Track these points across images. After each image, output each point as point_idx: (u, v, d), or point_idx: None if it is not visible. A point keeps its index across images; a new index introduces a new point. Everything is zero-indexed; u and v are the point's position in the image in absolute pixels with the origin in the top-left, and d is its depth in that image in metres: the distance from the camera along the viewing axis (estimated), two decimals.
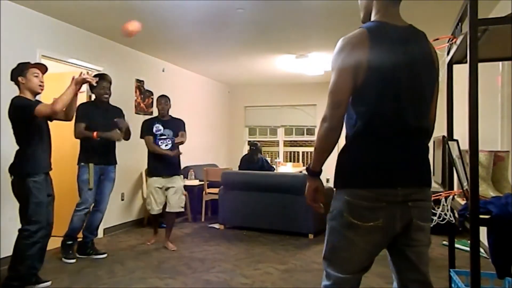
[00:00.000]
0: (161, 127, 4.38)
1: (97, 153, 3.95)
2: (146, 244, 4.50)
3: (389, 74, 1.48)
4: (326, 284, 1.57)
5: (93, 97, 4.24)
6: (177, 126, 4.48)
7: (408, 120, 1.49)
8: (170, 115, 4.54)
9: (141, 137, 4.46)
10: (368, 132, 1.49)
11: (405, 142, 1.51)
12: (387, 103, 1.48)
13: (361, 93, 1.49)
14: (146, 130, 4.42)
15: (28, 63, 3.17)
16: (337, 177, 1.56)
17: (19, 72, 3.12)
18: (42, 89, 3.19)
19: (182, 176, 4.58)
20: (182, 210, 4.49)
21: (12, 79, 3.16)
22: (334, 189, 1.58)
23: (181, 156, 4.52)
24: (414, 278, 1.56)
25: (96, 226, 4.13)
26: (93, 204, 4.04)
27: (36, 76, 3.12)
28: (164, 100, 4.47)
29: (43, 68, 3.23)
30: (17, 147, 3.20)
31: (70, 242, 3.93)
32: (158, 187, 4.33)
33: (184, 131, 4.53)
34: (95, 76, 3.94)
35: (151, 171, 4.42)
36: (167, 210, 4.39)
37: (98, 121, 3.93)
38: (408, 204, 1.49)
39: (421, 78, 1.53)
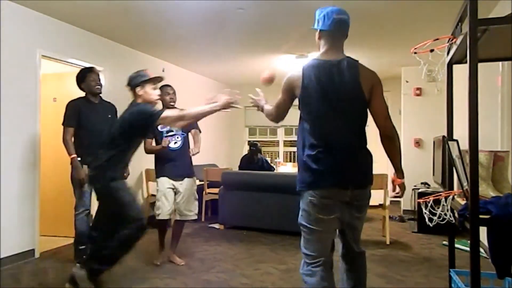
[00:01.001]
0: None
1: (88, 152, 3.57)
2: (154, 264, 3.78)
3: (316, 101, 2.03)
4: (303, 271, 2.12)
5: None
6: None
7: (334, 136, 2.03)
8: (176, 108, 3.70)
9: None
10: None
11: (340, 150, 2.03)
12: (318, 123, 2.06)
13: (304, 116, 2.12)
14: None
15: (146, 78, 3.06)
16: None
17: (137, 82, 3.05)
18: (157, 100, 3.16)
19: (194, 178, 3.92)
20: (195, 217, 3.90)
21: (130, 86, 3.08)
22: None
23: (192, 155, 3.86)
24: (349, 247, 2.19)
25: None
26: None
27: (154, 89, 3.09)
28: (171, 89, 3.80)
29: (158, 80, 3.18)
30: None
31: (82, 247, 3.65)
32: (170, 188, 3.72)
33: (198, 128, 3.95)
34: (82, 70, 3.85)
35: (158, 172, 3.79)
36: (175, 218, 3.84)
37: (91, 118, 3.68)
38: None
39: (344, 101, 2.02)
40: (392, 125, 2.11)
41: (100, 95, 3.86)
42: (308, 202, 2.04)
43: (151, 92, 3.04)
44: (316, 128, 2.04)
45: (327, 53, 2.11)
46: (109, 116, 3.76)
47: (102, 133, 3.37)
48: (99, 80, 3.84)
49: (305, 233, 2.12)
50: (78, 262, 3.54)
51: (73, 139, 3.70)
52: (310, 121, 2.06)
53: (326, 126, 2.03)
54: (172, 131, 3.73)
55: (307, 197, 2.05)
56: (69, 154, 3.63)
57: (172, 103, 3.76)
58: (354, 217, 2.08)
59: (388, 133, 2.10)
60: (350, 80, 2.01)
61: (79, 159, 3.64)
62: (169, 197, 3.71)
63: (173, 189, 3.73)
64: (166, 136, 3.69)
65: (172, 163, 3.71)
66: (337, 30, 2.11)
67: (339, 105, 2.01)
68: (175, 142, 3.74)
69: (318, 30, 2.13)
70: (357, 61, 2.09)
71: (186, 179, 3.77)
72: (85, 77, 3.74)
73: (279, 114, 2.30)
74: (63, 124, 3.69)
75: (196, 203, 3.87)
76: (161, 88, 3.61)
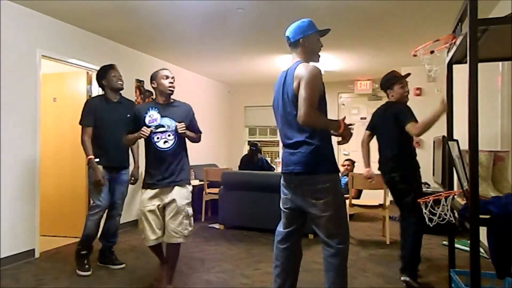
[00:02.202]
0: (156, 115, 2.92)
1: (104, 154, 3.52)
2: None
3: (274, 107, 2.47)
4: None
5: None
6: (184, 114, 3.01)
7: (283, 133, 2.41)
8: (174, 99, 3.08)
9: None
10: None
11: (286, 148, 2.40)
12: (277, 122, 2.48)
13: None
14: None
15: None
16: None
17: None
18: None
19: (188, 187, 3.03)
20: (181, 241, 2.92)
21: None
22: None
23: (189, 152, 3.13)
24: (320, 241, 2.38)
25: (112, 233, 3.72)
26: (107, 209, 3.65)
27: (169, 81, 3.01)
28: (170, 73, 3.02)
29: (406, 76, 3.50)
30: None
31: (84, 252, 3.50)
32: (154, 204, 2.92)
33: (199, 131, 3.21)
34: (103, 67, 3.73)
35: (143, 180, 3.03)
36: (164, 239, 2.95)
37: (108, 118, 3.53)
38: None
39: (284, 98, 2.33)
40: (305, 113, 2.15)
41: (121, 92, 3.72)
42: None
43: (399, 91, 3.37)
44: (278, 127, 2.49)
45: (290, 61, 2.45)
46: (128, 115, 3.25)
47: (119, 133, 3.25)
48: (121, 76, 3.71)
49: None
50: (77, 269, 3.45)
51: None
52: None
53: (280, 125, 2.44)
54: (163, 126, 2.91)
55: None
56: (86, 155, 3.48)
57: (170, 90, 2.98)
58: (308, 203, 2.29)
59: (302, 120, 2.18)
60: (289, 82, 2.30)
61: (97, 160, 3.48)
62: (151, 216, 2.90)
63: (158, 205, 2.92)
64: (155, 133, 2.90)
65: (159, 169, 2.91)
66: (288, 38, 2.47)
67: (282, 106, 2.35)
68: (166, 141, 2.91)
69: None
70: (299, 62, 2.34)
71: (176, 189, 2.91)
72: (106, 73, 3.63)
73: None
74: (80, 123, 3.55)
75: (187, 222, 2.92)
76: (157, 74, 3.00)
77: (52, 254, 4.13)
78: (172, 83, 2.97)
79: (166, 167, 2.91)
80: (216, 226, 5.51)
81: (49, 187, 4.68)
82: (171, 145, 2.93)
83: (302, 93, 2.18)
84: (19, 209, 3.88)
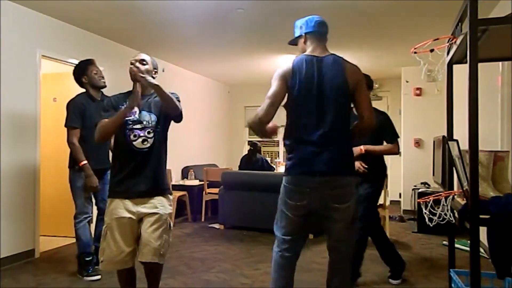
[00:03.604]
0: (136, 109, 2.34)
1: (93, 156, 3.36)
2: None
3: (302, 94, 2.11)
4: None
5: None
6: (157, 108, 2.41)
7: (315, 127, 2.10)
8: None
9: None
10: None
11: (308, 145, 2.10)
12: (302, 115, 2.13)
13: (289, 109, 2.19)
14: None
15: None
16: None
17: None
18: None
19: (170, 197, 2.46)
20: (156, 260, 2.31)
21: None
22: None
23: (168, 153, 2.51)
24: (329, 244, 2.24)
25: None
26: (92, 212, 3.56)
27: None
28: (144, 56, 2.41)
29: None
30: None
31: (89, 259, 3.38)
32: (125, 216, 2.29)
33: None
34: (81, 63, 3.48)
35: (110, 188, 2.41)
36: (140, 259, 2.31)
37: (96, 118, 3.01)
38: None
39: (327, 93, 2.10)
40: (373, 116, 2.19)
41: (104, 82, 3.52)
42: (281, 187, 2.20)
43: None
44: (298, 120, 2.15)
45: (314, 51, 2.23)
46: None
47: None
48: (101, 72, 3.54)
49: (278, 215, 2.27)
50: (85, 276, 3.35)
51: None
52: (294, 113, 2.18)
53: (308, 117, 2.12)
54: (141, 122, 2.34)
55: (282, 182, 2.20)
56: (79, 160, 3.27)
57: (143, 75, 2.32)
58: (329, 207, 2.09)
59: (370, 122, 2.17)
60: (337, 73, 2.14)
61: (76, 167, 3.34)
62: (122, 230, 2.29)
63: (130, 218, 2.29)
64: (131, 130, 2.33)
65: (135, 174, 2.32)
66: (321, 30, 2.28)
67: (324, 97, 2.11)
68: (145, 140, 2.32)
69: (304, 34, 2.27)
70: (341, 57, 2.23)
71: (157, 198, 2.35)
72: (85, 69, 3.42)
73: (271, 112, 2.12)
74: (65, 125, 3.37)
75: (167, 237, 2.35)
76: (134, 61, 2.39)
77: (52, 254, 4.13)
78: (138, 68, 2.29)
79: (144, 172, 2.32)
80: (216, 226, 5.51)
81: (49, 187, 4.68)
82: (151, 145, 2.34)
83: (365, 97, 2.19)
84: (19, 209, 3.88)
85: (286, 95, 2.16)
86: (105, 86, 3.54)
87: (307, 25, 2.27)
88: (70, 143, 3.34)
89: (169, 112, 2.35)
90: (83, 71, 3.46)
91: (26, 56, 3.98)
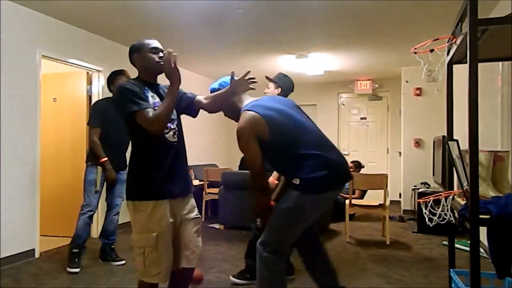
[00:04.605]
0: (157, 98, 2.09)
1: (109, 156, 3.64)
2: None
3: (288, 118, 2.34)
4: None
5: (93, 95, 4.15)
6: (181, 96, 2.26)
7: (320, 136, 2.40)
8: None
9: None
10: None
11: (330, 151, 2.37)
12: None
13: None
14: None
15: None
16: None
17: None
18: None
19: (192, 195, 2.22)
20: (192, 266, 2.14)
21: None
22: None
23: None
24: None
25: (111, 231, 3.83)
26: (98, 208, 3.87)
27: None
28: (159, 44, 2.29)
29: None
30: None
31: (75, 250, 3.60)
32: (168, 224, 2.02)
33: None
34: (112, 73, 3.82)
35: (143, 190, 2.00)
36: (184, 265, 2.09)
37: (115, 121, 3.55)
38: None
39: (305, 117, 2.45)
40: None
41: None
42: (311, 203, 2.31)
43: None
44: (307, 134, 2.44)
45: None
46: None
47: (121, 136, 3.52)
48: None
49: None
50: (67, 266, 3.56)
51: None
52: None
53: (312, 134, 2.44)
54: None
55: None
56: (99, 157, 3.60)
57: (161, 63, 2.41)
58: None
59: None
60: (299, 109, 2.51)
61: (90, 163, 3.69)
62: (168, 239, 2.02)
63: (173, 222, 2.05)
64: None
65: (172, 171, 2.04)
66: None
67: (311, 122, 2.45)
68: (174, 133, 2.09)
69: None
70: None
71: (190, 198, 2.18)
72: (114, 79, 3.76)
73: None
74: (88, 124, 3.82)
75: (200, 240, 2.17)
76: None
77: (52, 254, 4.13)
78: (162, 57, 2.11)
79: (179, 168, 2.08)
80: (216, 226, 5.51)
81: (49, 187, 4.68)
82: (178, 138, 2.11)
83: None
84: (19, 209, 3.88)
85: None
86: None
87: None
88: (91, 140, 3.66)
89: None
90: (112, 80, 3.78)
91: (26, 56, 3.98)
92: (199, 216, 2.19)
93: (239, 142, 2.22)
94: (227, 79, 2.32)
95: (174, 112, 2.11)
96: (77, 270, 3.55)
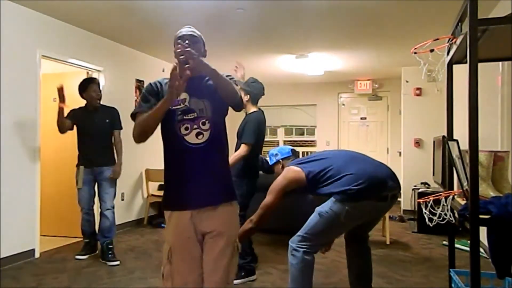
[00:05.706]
0: (185, 95, 1.86)
1: (89, 155, 3.90)
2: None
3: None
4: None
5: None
6: (210, 92, 1.95)
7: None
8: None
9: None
10: None
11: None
12: None
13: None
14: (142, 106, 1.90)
15: None
16: None
17: None
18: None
19: (235, 203, 1.93)
20: None
21: None
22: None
23: None
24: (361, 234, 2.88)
25: (106, 229, 3.90)
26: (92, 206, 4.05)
27: None
28: (198, 32, 2.06)
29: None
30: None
31: (86, 240, 4.07)
32: (188, 234, 1.79)
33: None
34: (84, 80, 4.03)
35: (163, 198, 1.89)
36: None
37: (91, 124, 3.91)
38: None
39: None
40: None
41: (99, 101, 4.01)
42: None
43: None
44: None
45: None
46: (107, 120, 3.96)
47: (100, 137, 3.91)
48: (100, 91, 4.03)
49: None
50: (76, 254, 4.01)
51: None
52: None
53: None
54: (193, 110, 1.83)
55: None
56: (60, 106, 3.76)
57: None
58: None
59: None
60: None
61: (76, 165, 3.96)
62: (188, 256, 1.79)
63: (194, 235, 1.79)
64: (180, 121, 1.81)
65: (190, 177, 1.80)
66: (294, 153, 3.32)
67: None
68: (199, 133, 1.81)
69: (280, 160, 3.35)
70: None
71: (221, 210, 1.81)
72: (86, 87, 3.91)
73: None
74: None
75: (232, 266, 1.84)
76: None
77: (52, 254, 4.13)
78: (190, 45, 1.91)
79: (204, 174, 1.80)
80: None
81: (49, 187, 4.68)
82: (208, 138, 1.81)
83: None
84: (19, 209, 3.88)
85: None
86: (97, 107, 3.98)
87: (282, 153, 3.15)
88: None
89: (227, 99, 1.92)
90: (84, 88, 3.94)
91: (26, 56, 3.98)
92: (227, 233, 1.78)
93: (278, 180, 2.90)
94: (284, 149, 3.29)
95: (205, 109, 1.84)
96: (81, 257, 3.97)
